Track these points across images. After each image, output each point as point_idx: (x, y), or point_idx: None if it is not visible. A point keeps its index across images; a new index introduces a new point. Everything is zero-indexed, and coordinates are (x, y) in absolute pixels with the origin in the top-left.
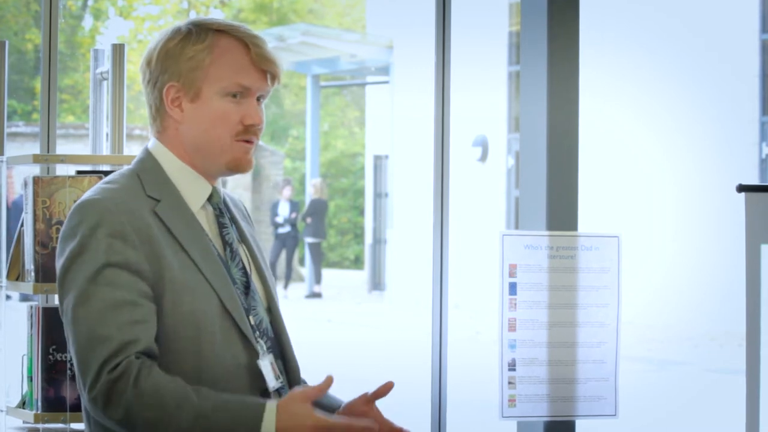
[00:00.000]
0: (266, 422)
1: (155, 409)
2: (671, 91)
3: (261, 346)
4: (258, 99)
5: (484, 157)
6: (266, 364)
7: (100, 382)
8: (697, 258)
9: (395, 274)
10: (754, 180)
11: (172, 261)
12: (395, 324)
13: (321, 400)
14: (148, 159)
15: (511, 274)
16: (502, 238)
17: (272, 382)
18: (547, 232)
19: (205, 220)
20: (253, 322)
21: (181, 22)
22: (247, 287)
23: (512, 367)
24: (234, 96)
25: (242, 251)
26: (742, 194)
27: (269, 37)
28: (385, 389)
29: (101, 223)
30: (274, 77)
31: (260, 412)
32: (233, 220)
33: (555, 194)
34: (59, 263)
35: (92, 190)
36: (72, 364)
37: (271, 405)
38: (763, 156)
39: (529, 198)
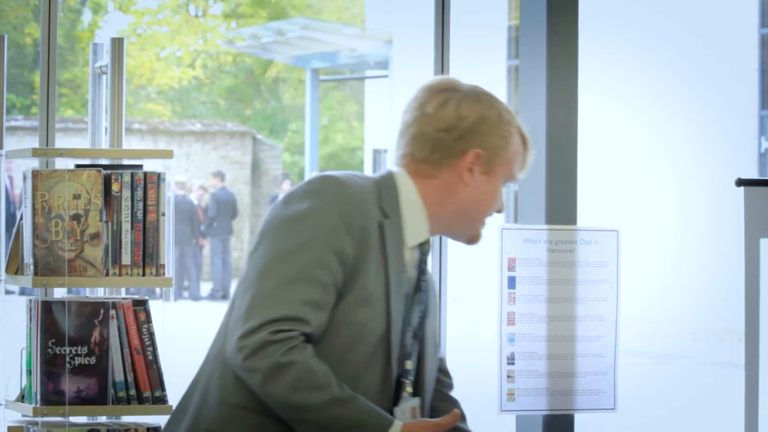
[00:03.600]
0: None
1: (295, 380)
2: (671, 85)
3: (405, 389)
4: None
5: None
6: (404, 410)
7: (257, 336)
8: (696, 252)
9: None
10: (753, 174)
11: (373, 271)
12: None
13: None
14: (390, 179)
15: (510, 268)
16: (501, 231)
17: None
18: (546, 226)
19: (410, 260)
20: (409, 367)
21: (482, 91)
22: (416, 334)
23: (511, 360)
24: (504, 184)
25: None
26: (741, 188)
27: (268, 31)
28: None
29: (338, 204)
30: None
31: (387, 425)
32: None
33: (554, 188)
34: (278, 212)
35: (340, 172)
36: (71, 358)
37: (398, 423)
38: (762, 150)
39: (528, 192)
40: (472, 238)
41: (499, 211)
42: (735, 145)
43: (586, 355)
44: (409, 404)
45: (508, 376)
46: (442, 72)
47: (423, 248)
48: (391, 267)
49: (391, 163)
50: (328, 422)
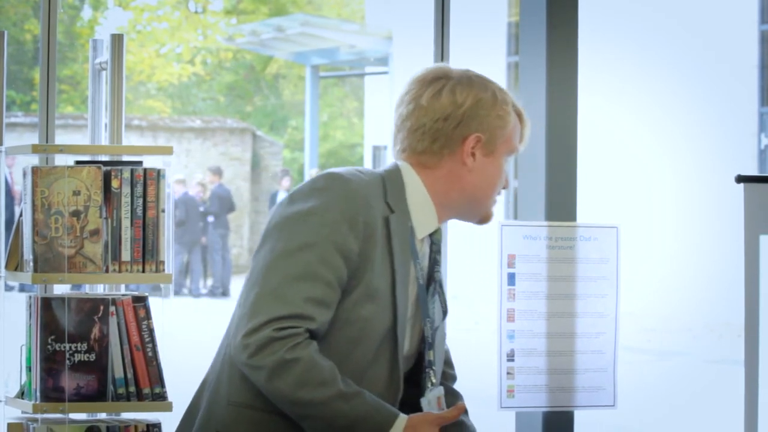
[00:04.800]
0: (394, 430)
1: (300, 376)
2: (670, 82)
3: (430, 380)
4: None
5: None
6: (430, 400)
7: (262, 334)
8: (696, 249)
9: None
10: (752, 171)
11: (378, 267)
12: None
13: None
14: (396, 173)
15: (510, 265)
16: (501, 228)
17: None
18: (546, 223)
19: (422, 252)
20: (432, 357)
21: (475, 74)
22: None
23: (511, 357)
24: (506, 161)
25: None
26: (741, 185)
27: (268, 28)
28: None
29: (341, 202)
30: None
31: (392, 418)
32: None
33: (554, 184)
34: (282, 210)
35: (345, 168)
36: (71, 354)
37: (403, 417)
38: (762, 147)
39: (528, 188)
40: (483, 218)
41: (505, 188)
42: (735, 142)
43: (586, 352)
44: (434, 394)
45: (508, 373)
46: None
47: (434, 238)
48: (397, 262)
49: (391, 158)
50: (333, 417)
